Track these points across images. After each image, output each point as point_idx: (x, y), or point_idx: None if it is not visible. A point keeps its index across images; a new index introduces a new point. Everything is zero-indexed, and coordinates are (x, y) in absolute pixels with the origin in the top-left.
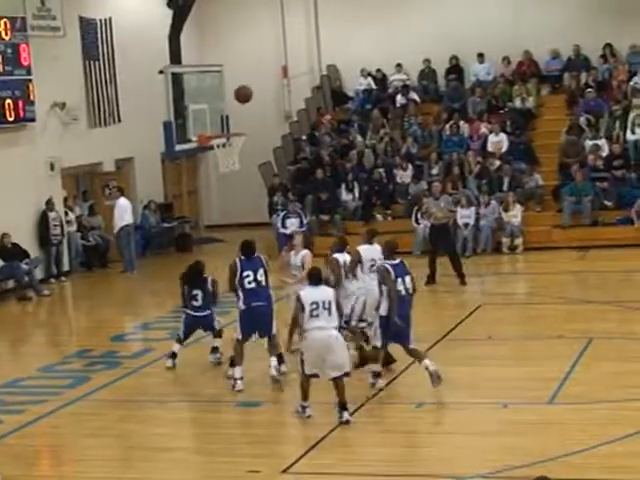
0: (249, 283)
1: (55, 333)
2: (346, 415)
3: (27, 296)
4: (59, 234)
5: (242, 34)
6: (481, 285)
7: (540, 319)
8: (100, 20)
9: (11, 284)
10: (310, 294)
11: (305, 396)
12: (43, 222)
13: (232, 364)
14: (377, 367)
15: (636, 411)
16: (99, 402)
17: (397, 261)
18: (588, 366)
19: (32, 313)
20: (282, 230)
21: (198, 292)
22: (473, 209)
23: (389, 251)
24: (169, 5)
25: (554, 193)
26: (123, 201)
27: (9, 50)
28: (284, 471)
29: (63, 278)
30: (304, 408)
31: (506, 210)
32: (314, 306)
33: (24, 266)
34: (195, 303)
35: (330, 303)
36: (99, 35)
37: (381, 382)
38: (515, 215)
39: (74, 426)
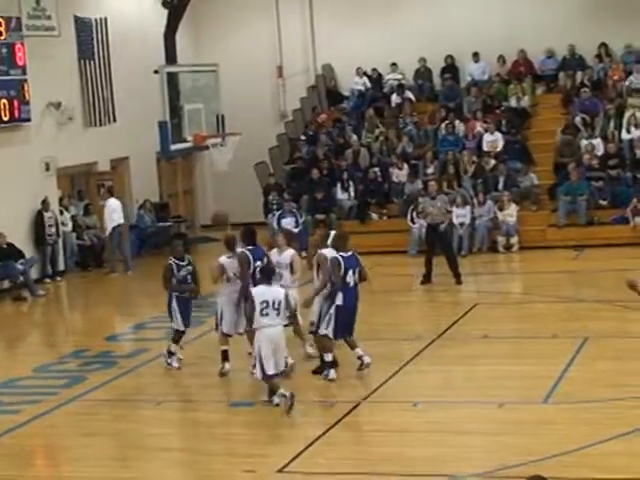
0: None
1: (50, 333)
2: (276, 399)
3: (22, 296)
4: (54, 234)
5: (237, 34)
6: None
7: (535, 318)
8: (95, 20)
9: (6, 284)
10: (261, 292)
11: (275, 388)
12: (38, 222)
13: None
14: (329, 356)
15: (631, 410)
16: (95, 402)
17: (349, 253)
18: (583, 365)
19: (27, 313)
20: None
21: None
22: (468, 208)
23: (341, 243)
24: (164, 4)
25: (549, 192)
26: (112, 202)
27: (4, 50)
28: (279, 471)
29: (58, 278)
30: (283, 396)
31: (501, 209)
32: (264, 305)
33: (19, 266)
34: None
35: (280, 303)
36: (94, 35)
37: (333, 373)
38: (510, 214)
39: (70, 426)
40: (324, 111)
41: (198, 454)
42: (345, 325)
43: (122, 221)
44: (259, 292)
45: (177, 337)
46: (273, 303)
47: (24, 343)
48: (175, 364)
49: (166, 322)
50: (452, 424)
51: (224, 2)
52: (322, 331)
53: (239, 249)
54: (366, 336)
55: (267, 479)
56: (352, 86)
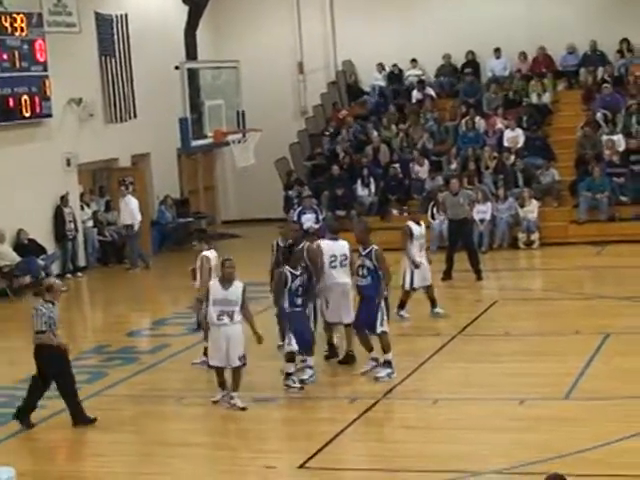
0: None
1: (71, 329)
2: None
3: None
4: (73, 230)
5: (258, 30)
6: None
7: (556, 315)
8: (116, 16)
9: (28, 279)
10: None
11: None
12: (58, 218)
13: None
14: (390, 355)
15: None
16: (116, 397)
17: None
18: (604, 362)
19: None
20: None
21: None
22: (489, 204)
23: (368, 234)
24: (185, 1)
25: (571, 188)
26: (130, 198)
27: (25, 46)
28: (300, 466)
29: (79, 274)
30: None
31: (522, 206)
32: None
33: (40, 262)
34: None
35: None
36: (115, 31)
37: (385, 372)
38: (531, 210)
39: None
40: (344, 107)
41: (220, 449)
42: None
43: (138, 219)
44: None
45: (288, 357)
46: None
47: None
48: (296, 385)
49: (186, 318)
50: (473, 421)
51: None
52: (381, 329)
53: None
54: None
55: (288, 475)
56: (372, 82)
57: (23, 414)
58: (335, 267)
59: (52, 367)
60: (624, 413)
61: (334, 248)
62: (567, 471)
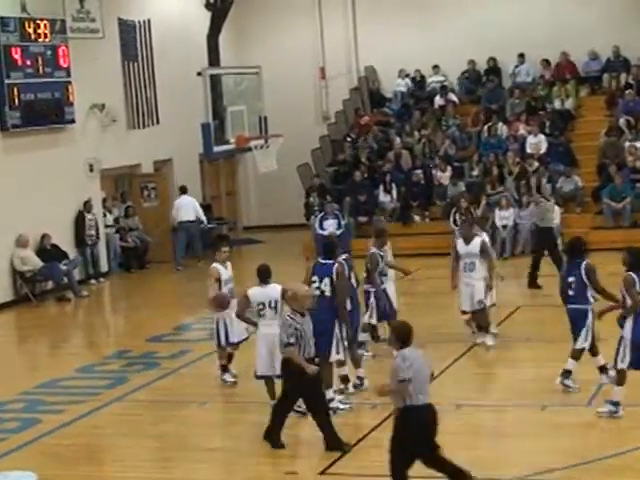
0: None
1: (93, 334)
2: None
3: (66, 297)
4: (94, 235)
5: (280, 35)
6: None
7: None
8: (139, 22)
9: (50, 285)
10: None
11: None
12: (79, 223)
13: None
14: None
15: None
16: (137, 402)
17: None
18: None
19: (71, 314)
20: (320, 231)
21: None
22: (512, 210)
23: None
24: (207, 7)
25: (593, 195)
26: (182, 199)
27: (49, 52)
28: (321, 472)
29: (101, 279)
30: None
31: None
32: (261, 306)
33: (63, 267)
34: None
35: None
36: (138, 37)
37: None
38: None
39: (112, 426)
40: (367, 113)
41: (241, 455)
42: None
43: (185, 218)
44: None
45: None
46: (269, 303)
47: (67, 344)
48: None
49: (207, 324)
50: (495, 427)
51: (267, 4)
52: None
53: (371, 250)
54: None
55: None
56: (395, 88)
57: (270, 434)
58: None
59: (292, 383)
60: None
61: None
62: (590, 478)
